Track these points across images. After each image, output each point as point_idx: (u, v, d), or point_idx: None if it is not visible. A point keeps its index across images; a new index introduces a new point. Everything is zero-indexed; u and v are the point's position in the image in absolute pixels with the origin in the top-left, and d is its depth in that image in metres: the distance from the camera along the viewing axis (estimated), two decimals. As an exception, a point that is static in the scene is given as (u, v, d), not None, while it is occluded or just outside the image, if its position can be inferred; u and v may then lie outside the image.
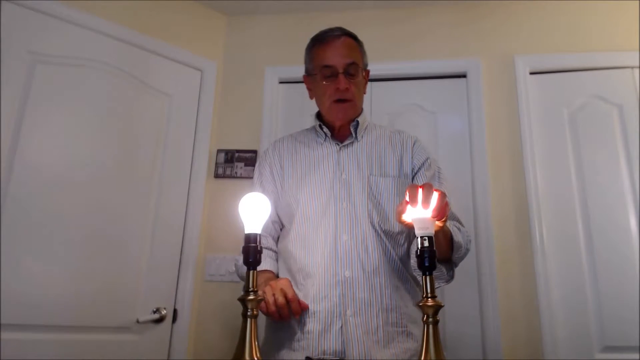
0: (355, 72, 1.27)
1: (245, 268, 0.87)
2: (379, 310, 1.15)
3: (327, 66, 1.27)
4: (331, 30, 1.31)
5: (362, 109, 1.37)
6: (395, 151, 1.30)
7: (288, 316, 1.11)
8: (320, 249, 1.19)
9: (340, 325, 1.13)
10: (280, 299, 1.09)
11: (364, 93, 1.36)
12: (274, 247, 1.33)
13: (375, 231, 1.21)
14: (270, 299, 1.09)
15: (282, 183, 1.32)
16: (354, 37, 1.33)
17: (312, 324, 1.14)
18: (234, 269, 1.33)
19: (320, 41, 1.31)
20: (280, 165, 1.34)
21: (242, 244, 0.88)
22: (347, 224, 1.20)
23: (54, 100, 1.77)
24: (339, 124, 1.32)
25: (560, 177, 2.03)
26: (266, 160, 1.38)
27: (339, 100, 1.27)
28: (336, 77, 1.25)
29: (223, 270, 2.06)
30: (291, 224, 1.27)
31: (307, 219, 1.24)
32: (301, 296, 1.17)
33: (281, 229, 1.35)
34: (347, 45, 1.28)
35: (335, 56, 1.26)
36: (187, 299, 1.99)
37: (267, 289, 1.12)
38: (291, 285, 1.17)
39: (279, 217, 1.34)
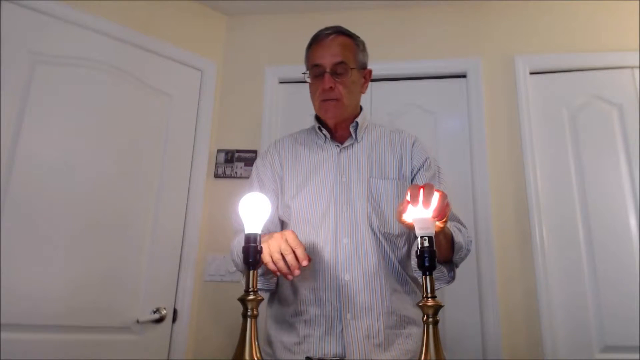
0: (343, 71, 1.25)
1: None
2: (379, 314, 1.14)
3: (315, 65, 1.26)
4: (326, 29, 1.30)
5: (360, 109, 1.35)
6: (395, 152, 1.29)
7: (290, 267, 1.00)
8: (320, 253, 1.19)
9: (340, 328, 1.13)
10: (282, 254, 1.00)
11: (362, 92, 1.35)
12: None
13: (374, 234, 1.20)
14: (274, 254, 1.00)
15: (282, 184, 1.31)
16: (350, 35, 1.31)
17: (312, 328, 1.14)
18: (233, 256, 1.25)
19: (313, 40, 1.31)
20: (281, 165, 1.33)
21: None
22: (347, 228, 1.20)
23: (54, 100, 1.77)
24: (331, 123, 1.31)
25: (560, 177, 2.04)
26: (266, 159, 1.37)
27: (326, 99, 1.26)
28: (323, 76, 1.24)
29: (223, 270, 2.06)
30: (291, 227, 1.26)
31: (307, 222, 1.23)
32: (301, 300, 1.18)
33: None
34: (337, 44, 1.27)
35: (323, 55, 1.26)
36: (187, 299, 1.99)
37: (271, 241, 1.03)
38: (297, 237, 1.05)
39: (278, 217, 1.33)
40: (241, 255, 1.06)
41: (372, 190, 1.23)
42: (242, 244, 0.88)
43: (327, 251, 1.18)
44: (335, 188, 1.24)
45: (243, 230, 0.90)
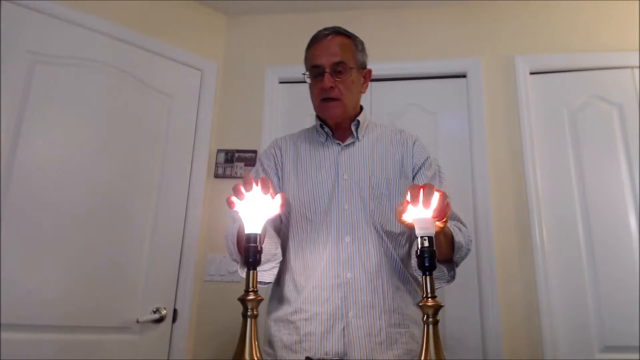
0: (343, 71, 1.25)
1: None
2: (381, 312, 1.14)
3: (314, 66, 1.27)
4: (324, 29, 1.30)
5: (361, 108, 1.36)
6: (396, 151, 1.30)
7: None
8: (322, 251, 1.19)
9: (342, 327, 1.13)
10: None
11: (362, 92, 1.35)
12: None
13: (377, 232, 1.20)
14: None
15: (282, 178, 1.31)
16: (348, 35, 1.31)
17: (314, 326, 1.14)
18: (227, 242, 1.20)
19: (312, 41, 1.31)
20: (282, 161, 1.33)
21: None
22: (349, 226, 1.20)
23: (54, 100, 1.77)
24: (331, 123, 1.31)
25: (560, 177, 2.04)
26: (269, 151, 1.37)
27: (325, 99, 1.26)
28: (323, 76, 1.25)
29: (223, 270, 2.06)
30: (292, 225, 1.26)
31: (308, 220, 1.23)
32: (302, 298, 1.17)
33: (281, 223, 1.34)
34: (336, 44, 1.27)
35: (322, 55, 1.26)
36: (187, 299, 1.99)
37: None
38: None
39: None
40: (234, 240, 1.10)
41: (374, 188, 1.23)
42: (236, 231, 0.92)
43: (328, 249, 1.19)
44: (336, 186, 1.24)
45: (238, 219, 0.92)
